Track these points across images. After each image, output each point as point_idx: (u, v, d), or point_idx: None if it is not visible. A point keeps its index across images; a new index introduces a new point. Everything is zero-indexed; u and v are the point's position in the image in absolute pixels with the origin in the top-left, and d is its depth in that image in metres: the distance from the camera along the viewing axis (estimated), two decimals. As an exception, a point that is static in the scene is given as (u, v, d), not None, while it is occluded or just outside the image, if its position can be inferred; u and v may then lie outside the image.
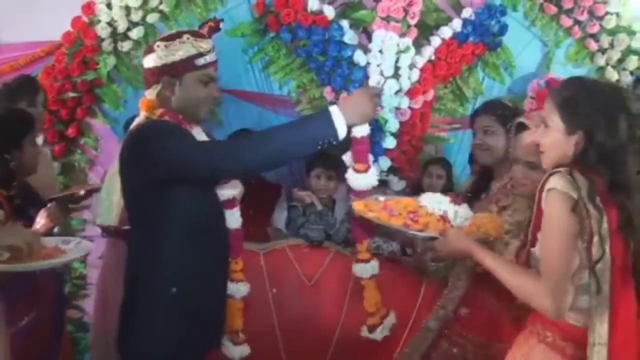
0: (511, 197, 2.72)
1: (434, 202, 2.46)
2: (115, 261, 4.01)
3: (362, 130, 2.47)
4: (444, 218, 2.41)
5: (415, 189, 4.33)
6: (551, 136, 2.17)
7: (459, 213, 2.43)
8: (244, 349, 2.89)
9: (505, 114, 2.92)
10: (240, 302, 2.87)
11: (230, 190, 2.61)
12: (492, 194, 2.85)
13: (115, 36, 4.29)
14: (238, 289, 2.84)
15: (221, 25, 2.64)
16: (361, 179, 2.57)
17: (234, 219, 2.71)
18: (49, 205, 3.04)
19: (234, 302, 2.82)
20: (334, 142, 2.30)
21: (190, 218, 2.41)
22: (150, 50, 2.49)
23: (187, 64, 2.43)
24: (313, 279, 3.74)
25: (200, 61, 2.44)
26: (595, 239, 2.02)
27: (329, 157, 4.24)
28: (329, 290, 3.73)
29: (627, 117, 2.10)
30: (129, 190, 2.49)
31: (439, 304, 2.83)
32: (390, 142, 4.48)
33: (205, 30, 2.56)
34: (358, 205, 2.54)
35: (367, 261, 2.84)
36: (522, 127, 2.59)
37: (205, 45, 2.47)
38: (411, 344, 2.94)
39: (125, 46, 4.30)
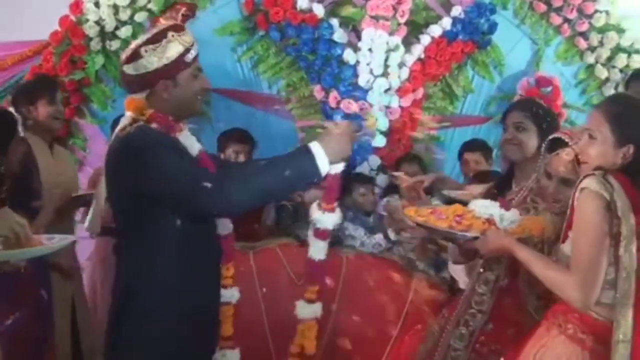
0: (532, 212, 2.72)
1: (482, 207, 2.49)
2: (103, 256, 4.03)
3: (336, 168, 2.40)
4: (489, 221, 2.43)
5: None
6: (599, 148, 2.20)
7: (505, 216, 2.45)
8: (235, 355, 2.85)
9: (538, 112, 2.91)
10: (231, 308, 2.83)
11: None
12: (511, 194, 2.84)
13: (104, 35, 4.28)
14: (230, 294, 2.81)
15: (195, 9, 2.58)
16: (327, 218, 2.51)
17: (224, 225, 2.67)
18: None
19: (225, 308, 2.79)
20: (317, 181, 2.31)
21: (180, 227, 2.34)
22: (135, 56, 2.37)
23: (179, 63, 2.36)
24: (303, 279, 3.71)
25: (189, 57, 2.37)
26: (623, 241, 2.08)
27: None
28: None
29: None
30: (116, 198, 2.45)
31: (454, 320, 2.78)
32: (380, 141, 4.49)
33: (179, 19, 2.49)
34: (409, 212, 2.60)
35: (313, 302, 2.79)
36: (558, 143, 2.58)
37: (188, 38, 2.40)
38: None
39: (113, 45, 4.30)
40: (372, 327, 3.61)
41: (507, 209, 2.50)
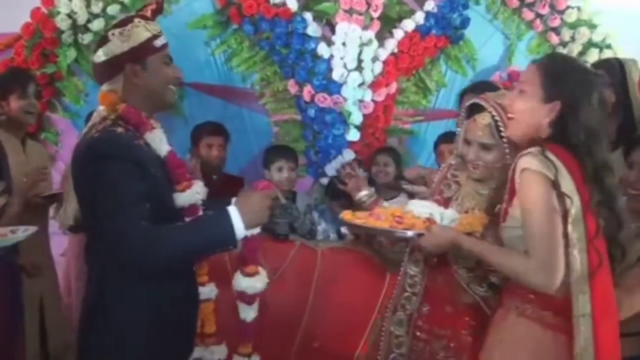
0: (453, 186, 2.74)
1: (421, 207, 2.50)
2: (77, 252, 4.00)
3: (253, 231, 2.40)
4: (429, 220, 2.44)
5: None
6: (527, 102, 2.20)
7: (445, 215, 2.46)
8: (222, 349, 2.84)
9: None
10: (211, 304, 2.81)
11: (192, 197, 2.46)
12: (434, 186, 2.86)
13: (76, 28, 4.23)
14: (208, 291, 2.78)
15: (163, 6, 2.57)
16: (249, 283, 2.51)
17: None
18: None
19: (204, 305, 2.77)
20: (231, 248, 2.31)
21: None
22: (103, 41, 2.38)
23: (147, 47, 2.35)
24: (277, 273, 3.71)
25: (158, 43, 2.37)
26: (572, 220, 2.08)
27: (287, 149, 4.26)
28: (294, 283, 3.71)
29: (600, 99, 2.18)
30: (80, 202, 2.41)
31: (392, 306, 2.79)
32: (353, 135, 4.50)
33: (148, 14, 2.49)
34: (346, 215, 2.60)
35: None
36: (476, 109, 2.58)
37: (156, 27, 2.39)
38: (382, 354, 2.88)
39: (85, 38, 4.25)
40: (347, 320, 3.62)
41: (446, 207, 2.52)
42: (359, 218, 2.55)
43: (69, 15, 4.19)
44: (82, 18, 4.19)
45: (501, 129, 2.45)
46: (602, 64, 3.73)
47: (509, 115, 2.27)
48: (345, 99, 4.43)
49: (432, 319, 2.68)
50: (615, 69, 3.36)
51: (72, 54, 4.25)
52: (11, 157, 3.43)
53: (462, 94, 3.22)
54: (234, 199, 2.39)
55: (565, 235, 2.08)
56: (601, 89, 2.21)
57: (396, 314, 2.74)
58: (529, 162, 2.10)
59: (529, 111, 2.19)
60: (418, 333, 2.71)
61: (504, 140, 2.45)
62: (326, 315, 3.66)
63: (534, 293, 2.17)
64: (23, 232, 2.74)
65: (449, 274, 2.60)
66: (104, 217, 2.22)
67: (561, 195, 2.07)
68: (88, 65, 4.28)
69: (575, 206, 2.07)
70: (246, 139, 4.61)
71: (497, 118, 2.47)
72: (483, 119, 2.53)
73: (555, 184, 2.06)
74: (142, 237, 2.16)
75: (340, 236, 4.10)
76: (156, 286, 2.33)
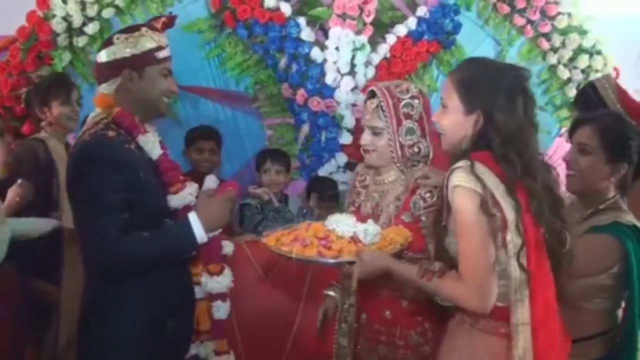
0: (362, 191, 2.79)
1: (342, 225, 2.42)
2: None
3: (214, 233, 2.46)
4: (354, 239, 2.38)
5: None
6: (450, 117, 2.17)
7: (369, 231, 2.40)
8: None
9: None
10: (206, 302, 2.83)
11: (184, 198, 2.50)
12: (348, 197, 2.93)
13: (71, 31, 4.25)
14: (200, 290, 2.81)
15: (175, 21, 2.63)
16: (215, 282, 2.52)
17: None
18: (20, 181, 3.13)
19: (200, 303, 2.78)
20: (192, 250, 2.41)
21: (139, 228, 2.34)
22: (108, 43, 2.45)
23: (148, 57, 2.41)
24: (270, 274, 3.73)
25: (160, 55, 2.43)
26: (511, 228, 2.04)
27: (278, 151, 4.30)
28: (287, 284, 3.73)
29: (525, 98, 2.11)
30: (71, 203, 2.46)
31: (338, 318, 2.75)
32: (346, 138, 4.53)
33: (159, 25, 2.54)
34: (270, 241, 2.49)
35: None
36: (371, 95, 2.65)
37: (163, 39, 2.47)
38: None
39: (80, 41, 4.27)
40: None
41: (364, 220, 2.49)
42: (284, 244, 2.43)
43: (65, 19, 4.21)
44: (77, 21, 4.21)
45: (385, 113, 2.54)
46: (578, 96, 3.88)
47: (441, 131, 2.24)
48: (338, 103, 4.46)
49: (371, 325, 2.68)
50: (591, 96, 3.50)
51: (67, 56, 4.27)
52: (59, 164, 3.48)
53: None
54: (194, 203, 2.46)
55: (504, 244, 2.05)
56: (524, 84, 2.14)
57: (341, 326, 2.68)
58: (459, 178, 2.05)
59: (454, 125, 2.16)
60: (360, 341, 2.72)
61: (390, 124, 2.53)
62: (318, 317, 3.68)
63: None
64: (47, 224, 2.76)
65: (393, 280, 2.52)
66: (81, 222, 2.33)
67: (499, 209, 2.03)
68: (83, 68, 4.32)
69: (510, 213, 2.04)
70: (240, 142, 4.64)
71: (382, 101, 2.55)
72: (371, 103, 2.60)
73: (484, 201, 2.02)
74: (111, 245, 2.24)
75: None
76: (152, 285, 2.38)
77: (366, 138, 2.65)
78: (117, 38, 2.43)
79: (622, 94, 3.55)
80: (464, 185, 2.04)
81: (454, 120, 2.16)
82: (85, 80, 4.30)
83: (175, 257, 2.42)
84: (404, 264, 2.30)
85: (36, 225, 2.91)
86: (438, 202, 2.38)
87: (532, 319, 2.06)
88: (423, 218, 2.52)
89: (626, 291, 2.59)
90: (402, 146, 2.58)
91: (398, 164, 2.62)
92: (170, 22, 2.59)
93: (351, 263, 2.30)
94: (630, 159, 2.61)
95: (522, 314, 2.06)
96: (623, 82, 4.71)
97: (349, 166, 4.54)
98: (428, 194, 2.54)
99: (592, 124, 2.66)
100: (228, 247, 2.60)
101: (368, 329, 2.70)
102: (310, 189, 4.30)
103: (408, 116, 2.57)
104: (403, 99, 2.57)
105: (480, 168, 2.05)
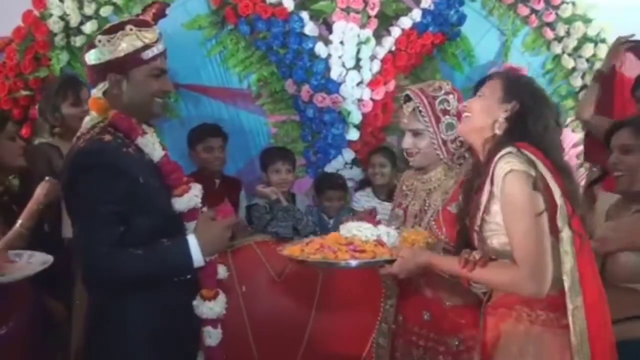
0: (409, 193, 2.77)
1: (363, 230, 2.44)
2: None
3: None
4: (379, 242, 2.40)
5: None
6: (483, 102, 2.24)
7: (391, 233, 2.43)
8: None
9: None
10: None
11: (190, 201, 2.41)
12: (394, 200, 2.92)
13: (68, 30, 4.14)
14: None
15: (167, 10, 2.50)
16: (208, 308, 2.41)
17: None
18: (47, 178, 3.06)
19: None
20: (188, 274, 2.31)
21: (147, 234, 2.27)
22: (91, 45, 2.32)
23: (132, 59, 2.27)
24: (283, 275, 3.67)
25: (148, 54, 2.29)
26: (560, 213, 2.07)
27: (285, 150, 4.23)
28: (300, 285, 3.67)
29: (557, 125, 2.23)
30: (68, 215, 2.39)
31: (379, 319, 2.83)
32: (353, 134, 4.49)
33: (149, 17, 2.41)
34: (294, 252, 2.47)
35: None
36: (407, 99, 2.66)
37: (150, 35, 2.30)
38: None
39: (78, 41, 4.16)
40: (352, 322, 3.57)
41: (378, 224, 2.50)
42: (312, 253, 2.42)
43: (62, 18, 4.11)
44: (74, 20, 4.11)
45: (423, 113, 2.55)
46: None
47: (465, 113, 2.28)
48: (343, 98, 4.41)
49: (409, 328, 2.67)
50: None
51: (64, 57, 4.16)
52: None
53: (477, 85, 3.26)
54: (192, 226, 2.36)
55: (556, 229, 2.07)
56: (559, 117, 2.26)
57: (381, 325, 2.78)
58: (512, 163, 2.07)
59: (485, 109, 2.22)
60: (397, 341, 2.72)
61: (429, 124, 2.55)
62: (332, 318, 3.62)
63: (540, 299, 2.11)
64: (41, 264, 2.65)
65: (435, 278, 2.53)
66: (75, 234, 2.25)
67: (548, 191, 2.07)
68: (82, 69, 4.16)
69: (558, 196, 2.07)
70: (243, 140, 4.55)
71: (418, 103, 2.56)
72: (408, 107, 2.61)
73: (537, 182, 2.05)
74: (104, 260, 2.17)
75: None
76: (158, 298, 2.30)
77: (408, 141, 2.65)
78: (99, 41, 2.28)
79: None
80: (515, 168, 2.06)
81: (486, 105, 2.23)
82: (85, 80, 4.15)
83: (167, 278, 2.30)
84: (445, 257, 2.30)
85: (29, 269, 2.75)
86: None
87: (584, 302, 2.07)
88: None
89: None
90: (444, 142, 2.59)
91: (445, 160, 2.62)
92: (160, 11, 2.44)
93: (389, 262, 2.31)
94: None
95: (575, 297, 2.07)
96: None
97: (356, 162, 4.51)
98: None
99: (630, 126, 2.80)
100: (222, 272, 2.50)
101: (405, 332, 2.68)
102: (319, 185, 4.24)
103: (445, 112, 2.58)
104: (438, 97, 2.59)
105: (527, 153, 2.09)
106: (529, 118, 2.15)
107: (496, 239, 2.16)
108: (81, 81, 3.66)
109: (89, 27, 4.14)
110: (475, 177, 2.26)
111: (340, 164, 4.48)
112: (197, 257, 2.26)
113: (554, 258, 2.07)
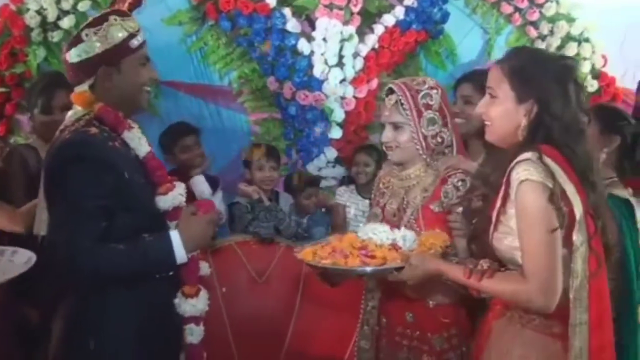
0: (386, 191, 2.73)
1: (379, 233, 2.40)
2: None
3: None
4: (394, 246, 2.35)
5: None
6: (500, 106, 2.11)
7: (407, 237, 2.39)
8: None
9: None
10: None
11: (174, 199, 2.36)
12: (372, 199, 2.87)
13: (45, 25, 4.06)
14: None
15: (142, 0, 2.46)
16: (191, 304, 2.37)
17: None
18: None
19: None
20: (170, 270, 2.28)
21: (128, 232, 2.23)
22: (76, 41, 2.26)
23: (122, 49, 2.25)
24: (264, 276, 3.64)
25: (134, 43, 2.27)
26: (578, 225, 1.99)
27: (271, 147, 4.16)
28: (281, 286, 3.65)
29: (576, 85, 2.09)
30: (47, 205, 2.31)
31: (361, 321, 2.78)
32: (336, 132, 4.44)
33: (125, 6, 2.37)
34: (307, 255, 2.42)
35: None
36: (390, 92, 2.61)
37: (133, 24, 2.29)
38: None
39: (55, 36, 4.08)
40: (335, 324, 3.57)
41: (396, 227, 2.46)
42: (323, 257, 2.38)
43: (39, 12, 4.02)
44: (52, 15, 4.03)
45: (405, 107, 2.50)
46: None
47: (486, 121, 2.18)
48: (326, 96, 4.36)
49: (392, 329, 2.64)
50: None
51: (41, 52, 4.08)
52: None
53: (457, 84, 3.22)
54: (174, 223, 2.32)
55: (570, 242, 2.00)
56: (574, 72, 2.12)
57: (363, 328, 2.73)
58: (528, 171, 1.98)
59: (505, 115, 2.10)
60: (382, 342, 2.68)
61: (411, 118, 2.50)
62: (314, 319, 3.60)
63: None
64: (24, 264, 2.57)
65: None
66: (55, 227, 2.18)
67: (568, 203, 1.98)
68: (59, 65, 4.09)
69: (579, 210, 1.99)
70: (224, 138, 4.48)
71: (400, 96, 2.52)
72: (390, 99, 2.57)
73: (554, 195, 1.96)
74: (83, 255, 2.11)
75: None
76: (140, 295, 2.25)
77: (387, 134, 2.60)
78: (86, 34, 2.24)
79: None
80: (532, 178, 1.97)
81: (505, 110, 2.11)
82: (62, 76, 4.11)
83: (150, 274, 2.26)
84: (455, 265, 2.23)
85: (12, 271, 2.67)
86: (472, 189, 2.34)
87: (589, 318, 2.01)
88: (458, 210, 2.45)
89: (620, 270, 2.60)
90: (425, 137, 2.54)
91: (424, 156, 2.57)
92: (136, 0, 2.42)
93: (398, 270, 2.27)
94: (622, 133, 2.78)
95: (580, 313, 2.01)
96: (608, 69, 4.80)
97: (339, 161, 4.47)
98: (460, 183, 2.50)
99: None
100: (204, 268, 2.45)
101: (389, 332, 2.64)
102: (290, 185, 4.21)
103: (428, 107, 2.54)
104: (421, 91, 2.54)
105: (549, 161, 1.99)
106: (549, 116, 2.04)
107: (506, 241, 2.10)
108: (58, 84, 3.42)
109: (66, 22, 4.06)
110: (496, 178, 2.16)
111: (323, 162, 4.43)
112: (180, 253, 2.23)
113: (565, 270, 2.02)
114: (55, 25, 4.09)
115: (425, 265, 2.23)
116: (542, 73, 2.07)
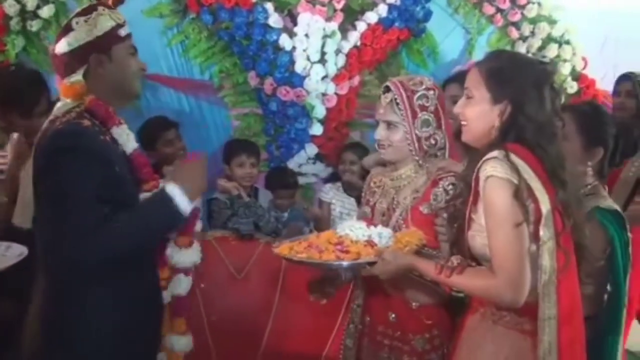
0: (377, 190, 2.70)
1: (355, 230, 2.38)
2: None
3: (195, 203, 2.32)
4: (370, 243, 2.34)
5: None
6: (476, 107, 2.13)
7: (383, 234, 2.37)
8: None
9: None
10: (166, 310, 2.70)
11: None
12: (363, 197, 2.83)
13: (24, 14, 4.02)
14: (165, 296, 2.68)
15: None
16: (184, 255, 2.42)
17: None
18: None
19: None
20: (180, 224, 2.25)
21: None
22: (67, 29, 2.25)
23: (112, 36, 2.24)
24: (243, 272, 3.61)
25: (122, 32, 2.27)
26: (544, 221, 2.01)
27: (249, 143, 4.14)
28: (260, 282, 3.62)
29: (552, 91, 2.11)
30: (37, 198, 2.25)
31: (348, 319, 2.77)
32: (317, 129, 4.43)
33: (109, 1, 2.36)
34: (283, 250, 2.40)
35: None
36: (386, 90, 2.57)
37: (120, 16, 2.29)
38: None
39: (34, 25, 4.04)
40: (314, 321, 3.54)
41: (374, 224, 2.44)
42: (298, 252, 2.37)
43: (18, 1, 3.98)
44: (31, 4, 3.99)
45: (400, 106, 2.47)
46: (621, 78, 4.22)
47: (462, 122, 2.20)
48: (307, 92, 4.34)
49: (374, 328, 2.62)
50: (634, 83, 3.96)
51: (20, 42, 4.04)
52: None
53: (445, 84, 3.23)
54: (164, 178, 2.30)
55: (537, 237, 2.01)
56: (552, 77, 2.14)
57: (349, 327, 2.71)
58: (494, 168, 2.01)
59: (480, 116, 2.13)
60: (365, 341, 2.66)
61: (405, 118, 2.47)
62: (293, 316, 3.57)
63: None
64: (17, 256, 2.54)
65: (401, 279, 2.47)
66: (50, 219, 2.10)
67: (534, 200, 2.00)
68: (38, 55, 4.09)
69: (545, 208, 2.01)
70: (205, 133, 4.48)
71: (396, 95, 2.48)
72: (386, 97, 2.53)
73: (519, 191, 1.98)
74: (89, 244, 2.04)
75: None
76: (118, 291, 2.20)
77: (381, 133, 2.56)
78: (76, 22, 2.22)
79: None
80: (497, 175, 1.99)
81: (480, 110, 2.12)
82: (41, 67, 4.03)
83: (164, 233, 2.25)
84: (427, 262, 2.22)
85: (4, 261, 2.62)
86: (459, 194, 2.32)
87: (558, 313, 2.02)
88: (444, 215, 2.42)
89: (610, 276, 2.63)
90: (418, 139, 2.50)
91: (416, 157, 2.54)
92: None
93: (371, 265, 2.26)
94: (606, 145, 2.69)
95: (549, 308, 2.02)
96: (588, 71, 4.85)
97: (319, 157, 4.46)
98: (451, 186, 2.47)
99: (571, 112, 2.69)
100: (198, 224, 2.50)
101: (371, 331, 2.63)
102: (270, 182, 4.19)
103: (423, 108, 2.50)
104: (417, 91, 2.50)
105: (515, 159, 2.01)
106: (522, 117, 2.07)
107: (479, 239, 2.12)
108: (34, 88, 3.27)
109: (45, 11, 4.03)
110: (471, 179, 2.17)
111: (303, 158, 4.42)
112: (183, 204, 2.15)
113: (534, 265, 2.03)
114: (35, 14, 4.04)
115: (398, 261, 2.23)
116: (518, 75, 2.09)
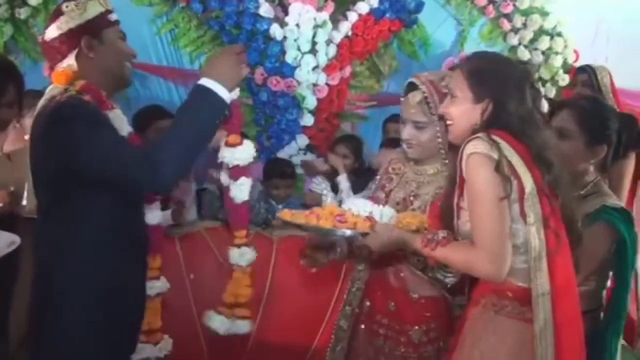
0: (395, 178, 2.69)
1: (358, 205, 2.42)
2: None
3: (233, 94, 2.27)
4: (370, 218, 2.36)
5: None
6: (459, 105, 2.18)
7: (384, 212, 2.39)
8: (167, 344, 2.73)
9: None
10: (158, 300, 2.69)
11: None
12: (378, 180, 2.81)
13: (13, 2, 4.00)
14: (158, 286, 2.66)
15: None
16: (236, 153, 2.41)
17: (153, 214, 2.55)
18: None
19: (151, 301, 2.63)
20: (227, 113, 2.21)
21: (108, 210, 2.19)
22: (57, 13, 2.25)
23: (103, 20, 2.25)
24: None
25: (112, 17, 2.28)
26: (529, 198, 2.03)
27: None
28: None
29: (533, 90, 2.16)
30: (42, 172, 2.25)
31: (345, 300, 2.77)
32: (307, 120, 4.42)
33: None
34: (285, 215, 2.44)
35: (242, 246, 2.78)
36: (412, 87, 2.55)
37: (108, 3, 2.31)
38: (331, 346, 2.84)
39: (23, 13, 4.03)
40: (303, 312, 3.54)
41: (381, 204, 2.47)
42: (299, 217, 2.41)
43: (5, -12, 3.95)
44: (19, -9, 3.96)
45: (431, 106, 2.45)
46: (578, 70, 4.29)
47: (448, 122, 2.24)
48: (298, 83, 4.32)
49: (372, 315, 2.62)
50: (589, 74, 3.99)
51: (8, 30, 4.02)
52: None
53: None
54: (153, 208, 2.38)
55: (523, 215, 2.04)
56: (531, 77, 2.22)
57: (345, 308, 2.72)
58: (475, 145, 2.05)
59: (463, 115, 2.18)
60: (361, 327, 2.67)
61: (435, 118, 2.44)
62: (283, 308, 3.55)
63: (511, 290, 2.10)
64: (8, 245, 2.49)
65: (396, 264, 2.54)
66: (100, 156, 2.05)
67: (516, 176, 2.03)
68: (25, 43, 4.06)
69: (529, 185, 2.04)
70: (195, 123, 4.42)
71: (427, 95, 2.46)
72: (415, 97, 2.51)
73: (499, 164, 2.01)
74: (147, 156, 2.03)
75: None
76: (105, 272, 2.19)
77: (410, 132, 2.53)
78: (66, 6, 2.23)
79: (613, 85, 3.96)
80: (477, 151, 2.03)
81: (462, 109, 2.17)
82: (29, 55, 4.03)
83: (213, 128, 2.15)
84: (417, 236, 2.24)
85: None
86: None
87: (551, 288, 2.04)
88: None
89: (610, 271, 2.64)
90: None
91: (443, 155, 2.53)
92: None
93: (364, 236, 2.29)
94: (610, 141, 2.65)
95: (541, 284, 2.04)
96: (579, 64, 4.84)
97: (310, 148, 4.44)
98: None
99: (570, 108, 2.69)
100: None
101: (368, 318, 2.63)
102: (268, 172, 4.15)
103: None
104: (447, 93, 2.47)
105: (497, 138, 2.04)
106: (502, 116, 2.10)
107: (469, 225, 2.13)
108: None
109: (34, -1, 3.98)
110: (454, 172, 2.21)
111: (294, 149, 4.41)
112: (223, 92, 2.11)
113: (523, 245, 2.06)
114: (23, 2, 4.03)
115: (389, 234, 2.27)
116: (499, 75, 2.15)
